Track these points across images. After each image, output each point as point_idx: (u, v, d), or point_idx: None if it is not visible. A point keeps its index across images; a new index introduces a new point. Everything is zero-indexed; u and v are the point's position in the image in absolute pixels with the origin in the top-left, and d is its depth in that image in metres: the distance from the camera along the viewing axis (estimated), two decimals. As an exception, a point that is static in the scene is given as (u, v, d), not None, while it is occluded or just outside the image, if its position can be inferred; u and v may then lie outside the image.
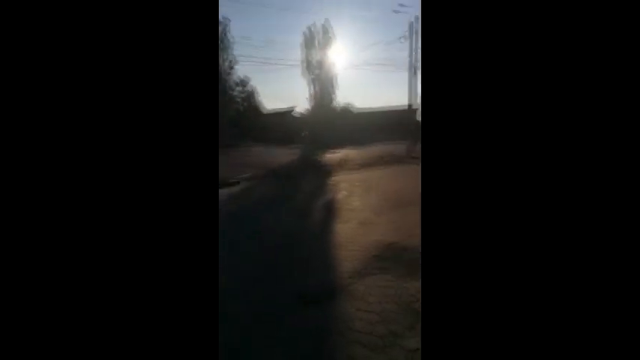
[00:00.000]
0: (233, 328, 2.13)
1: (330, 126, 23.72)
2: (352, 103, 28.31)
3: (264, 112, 29.43)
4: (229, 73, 22.88)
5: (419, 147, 12.09)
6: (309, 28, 24.21)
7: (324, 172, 10.05)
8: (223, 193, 6.87)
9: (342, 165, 11.42)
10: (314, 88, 24.82)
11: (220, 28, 21.36)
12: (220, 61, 21.76)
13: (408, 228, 4.08)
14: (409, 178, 8.10)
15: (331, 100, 25.28)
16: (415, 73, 17.54)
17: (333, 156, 14.33)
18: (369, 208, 5.36)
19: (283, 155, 15.06)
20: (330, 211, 5.33)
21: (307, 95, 25.21)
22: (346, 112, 27.85)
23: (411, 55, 17.55)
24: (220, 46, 21.54)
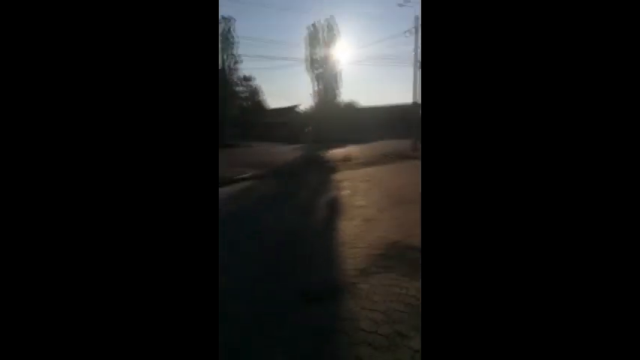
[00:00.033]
0: (241, 327, 2.12)
1: (334, 123, 23.70)
2: (356, 99, 28.33)
3: (268, 109, 29.53)
4: (235, 69, 22.92)
5: (423, 144, 12.00)
6: (314, 25, 24.14)
7: (328, 169, 10.04)
8: (226, 191, 6.88)
9: (346, 162, 11.41)
10: (318, 84, 24.76)
11: (226, 27, 21.39)
12: (225, 57, 21.80)
13: (412, 225, 4.06)
14: (413, 175, 8.08)
15: (335, 96, 25.20)
16: (420, 68, 17.43)
17: (336, 153, 14.32)
18: (372, 205, 5.34)
19: (287, 153, 15.07)
20: (333, 208, 5.32)
21: (311, 92, 25.19)
22: (350, 109, 27.83)
23: (416, 50, 17.43)
24: (226, 43, 21.55)
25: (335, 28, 24.28)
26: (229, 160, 11.68)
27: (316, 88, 24.82)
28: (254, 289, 2.64)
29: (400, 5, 16.93)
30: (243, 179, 8.23)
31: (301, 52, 31.59)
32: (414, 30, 17.05)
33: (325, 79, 24.54)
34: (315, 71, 24.50)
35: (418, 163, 9.96)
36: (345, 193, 6.46)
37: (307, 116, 27.15)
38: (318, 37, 24.16)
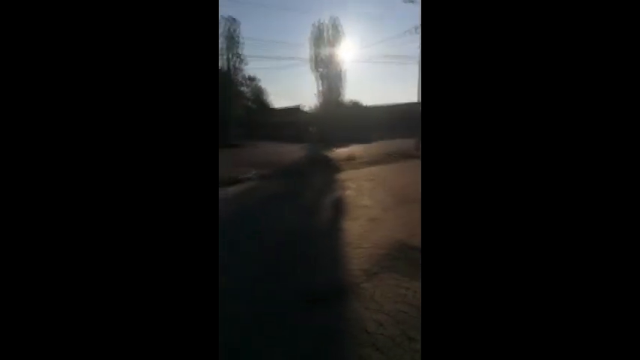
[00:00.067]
0: (244, 326, 2.12)
1: (338, 122, 23.64)
2: (361, 99, 28.24)
3: (273, 109, 29.59)
4: (240, 69, 22.98)
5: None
6: (318, 25, 24.09)
7: (332, 168, 10.02)
8: (231, 190, 6.90)
9: (350, 161, 11.38)
10: (322, 84, 24.70)
11: (232, 28, 21.45)
12: (230, 56, 21.86)
13: (416, 225, 4.04)
14: (417, 175, 8.02)
15: (339, 96, 25.12)
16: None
17: (340, 152, 14.29)
18: (377, 204, 5.32)
19: (291, 152, 15.08)
20: (338, 208, 5.31)
21: (315, 92, 25.13)
22: (354, 109, 27.75)
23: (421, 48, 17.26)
24: (231, 42, 21.60)
25: (339, 28, 24.25)
26: (234, 159, 11.71)
27: (320, 88, 24.76)
28: (254, 289, 2.65)
29: (405, 1, 16.62)
30: (249, 179, 8.25)
31: (305, 52, 31.56)
32: (420, 27, 16.91)
33: (329, 78, 24.45)
34: (320, 71, 24.46)
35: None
36: (350, 192, 6.45)
37: (311, 116, 27.12)
38: (323, 37, 24.11)
